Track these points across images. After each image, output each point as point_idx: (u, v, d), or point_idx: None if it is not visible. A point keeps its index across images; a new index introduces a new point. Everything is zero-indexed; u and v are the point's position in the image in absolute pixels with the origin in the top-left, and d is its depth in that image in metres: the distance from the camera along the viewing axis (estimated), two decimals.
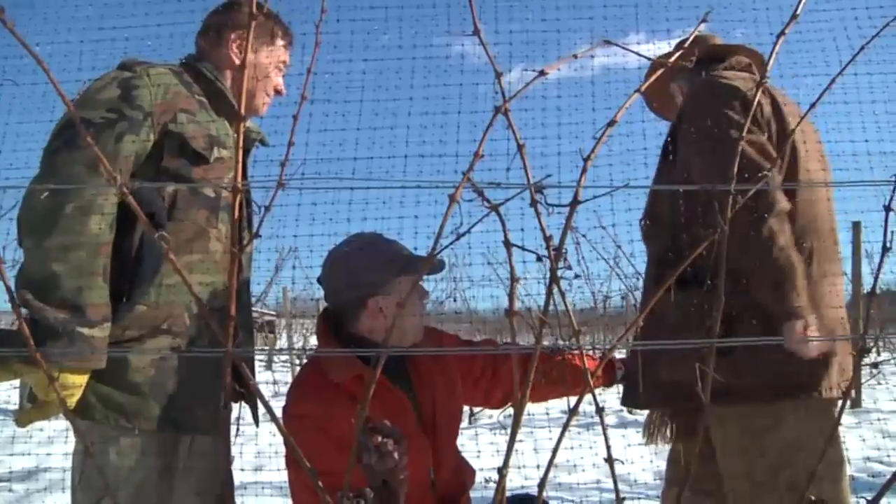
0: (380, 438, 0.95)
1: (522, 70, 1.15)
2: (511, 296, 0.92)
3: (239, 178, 1.06)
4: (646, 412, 2.30)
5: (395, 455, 0.95)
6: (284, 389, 7.82)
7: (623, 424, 6.56)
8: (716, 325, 1.12)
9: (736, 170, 1.20)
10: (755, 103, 1.87)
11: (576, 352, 0.95)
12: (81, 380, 1.59)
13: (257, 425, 1.97)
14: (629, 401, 2.17)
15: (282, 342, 15.33)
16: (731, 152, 1.87)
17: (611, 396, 7.34)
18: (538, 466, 2.00)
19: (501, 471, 0.96)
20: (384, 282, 1.83)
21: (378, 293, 1.83)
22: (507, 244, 0.99)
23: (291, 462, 1.82)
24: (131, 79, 1.72)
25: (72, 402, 1.57)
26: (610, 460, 1.03)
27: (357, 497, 0.92)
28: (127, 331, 1.67)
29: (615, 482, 1.02)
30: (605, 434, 1.02)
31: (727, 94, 1.95)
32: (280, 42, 2.02)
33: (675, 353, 1.87)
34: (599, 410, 1.01)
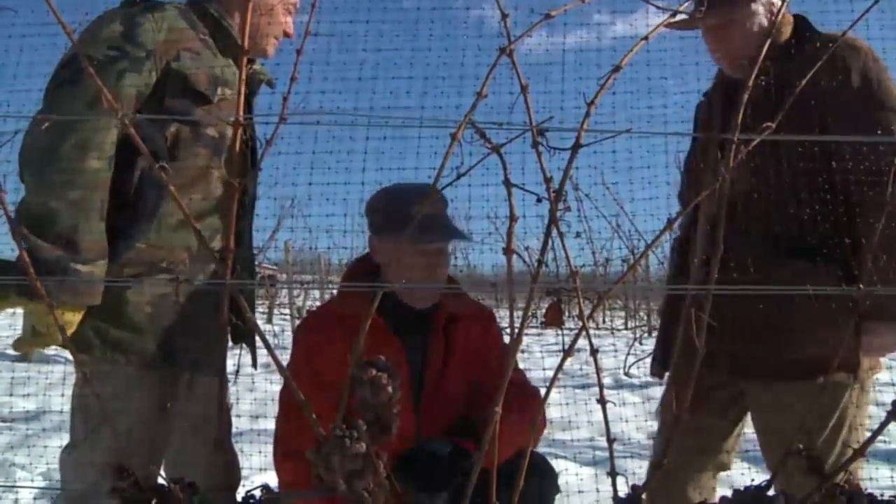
0: (374, 372, 0.96)
1: (529, 11, 1.14)
2: (509, 234, 0.92)
3: (241, 109, 1.06)
4: (642, 377, 2.34)
5: (389, 389, 0.96)
6: (284, 341, 7.87)
7: (618, 385, 6.63)
8: (713, 272, 1.12)
9: None
10: None
11: (572, 293, 0.95)
12: (76, 316, 1.60)
13: (255, 367, 1.99)
14: (659, 367, 2.17)
15: (282, 297, 15.40)
16: None
17: (606, 357, 7.41)
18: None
19: (493, 409, 0.97)
20: (380, 227, 1.89)
21: (375, 233, 1.89)
22: (508, 184, 0.99)
23: (286, 403, 1.85)
24: (134, 16, 1.71)
25: (60, 337, 1.60)
26: (602, 402, 1.04)
27: (349, 429, 0.93)
28: (126, 268, 1.68)
29: (607, 425, 1.03)
30: (598, 377, 1.03)
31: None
32: None
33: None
34: (594, 353, 1.01)
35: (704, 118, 2.17)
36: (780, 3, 1.99)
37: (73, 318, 1.59)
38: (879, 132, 1.84)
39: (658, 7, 1.86)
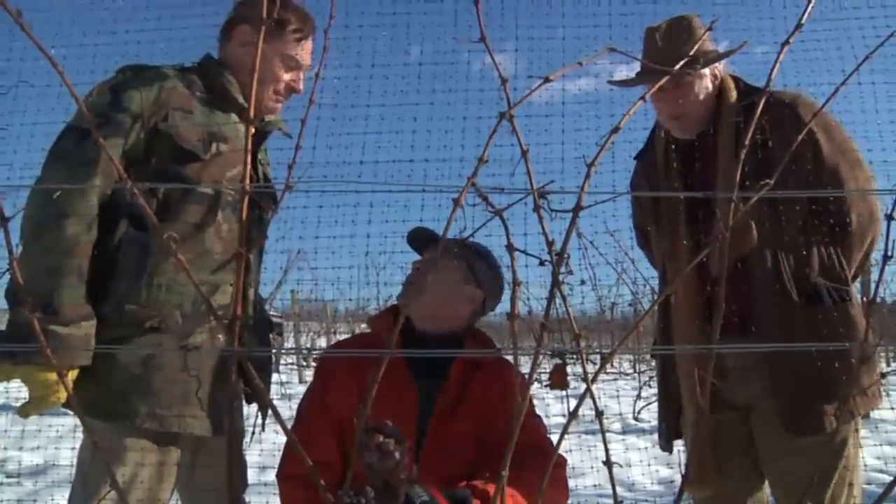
0: (381, 438, 0.96)
1: (527, 76, 1.17)
2: (513, 300, 0.93)
3: (248, 179, 1.08)
4: (651, 422, 2.36)
5: (396, 455, 0.96)
6: (291, 391, 7.81)
7: (624, 430, 6.56)
8: (715, 331, 1.12)
9: None
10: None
11: (576, 356, 0.96)
12: (66, 377, 1.61)
13: (263, 429, 1.99)
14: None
15: (289, 345, 15.34)
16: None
17: (611, 401, 7.35)
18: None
19: (500, 472, 0.97)
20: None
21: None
22: (510, 248, 1.00)
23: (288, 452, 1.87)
24: (122, 83, 1.77)
25: (56, 398, 1.61)
26: (608, 464, 1.04)
27: (357, 495, 0.93)
28: (116, 329, 1.70)
29: (613, 487, 1.03)
30: (604, 438, 1.03)
31: None
32: (291, 36, 1.91)
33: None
34: (599, 414, 1.02)
35: (650, 179, 2.21)
36: (721, 66, 2.09)
37: (57, 378, 1.60)
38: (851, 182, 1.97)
39: (652, 67, 1.91)
